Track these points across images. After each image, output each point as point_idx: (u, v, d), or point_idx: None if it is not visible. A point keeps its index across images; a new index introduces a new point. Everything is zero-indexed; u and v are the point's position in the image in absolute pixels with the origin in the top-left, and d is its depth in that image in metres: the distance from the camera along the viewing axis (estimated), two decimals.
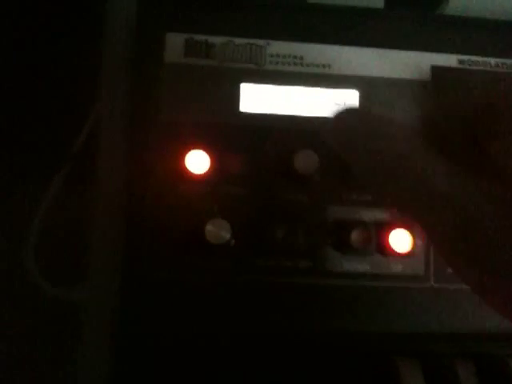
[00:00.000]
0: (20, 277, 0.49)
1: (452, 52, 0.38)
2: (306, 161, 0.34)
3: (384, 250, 0.35)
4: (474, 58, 0.38)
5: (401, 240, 0.35)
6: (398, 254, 0.35)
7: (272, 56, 0.36)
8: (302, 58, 0.36)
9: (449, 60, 0.38)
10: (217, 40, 0.36)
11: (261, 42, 0.36)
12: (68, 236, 0.52)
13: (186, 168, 0.34)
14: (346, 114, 0.26)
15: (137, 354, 0.34)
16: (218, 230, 0.32)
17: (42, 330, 0.53)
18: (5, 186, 0.56)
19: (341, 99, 0.36)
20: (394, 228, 0.35)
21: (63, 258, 0.50)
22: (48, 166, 0.55)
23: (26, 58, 0.59)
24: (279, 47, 0.36)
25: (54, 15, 0.57)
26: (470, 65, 0.38)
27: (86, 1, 0.54)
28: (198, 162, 0.34)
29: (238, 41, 0.36)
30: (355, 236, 0.35)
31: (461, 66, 0.38)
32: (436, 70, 0.37)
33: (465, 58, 0.38)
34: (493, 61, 0.38)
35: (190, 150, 0.34)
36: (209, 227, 0.32)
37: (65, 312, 0.48)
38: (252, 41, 0.36)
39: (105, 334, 0.34)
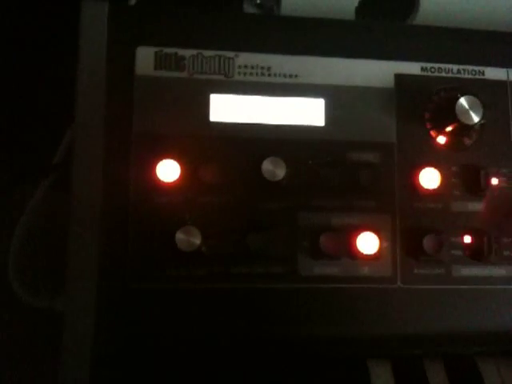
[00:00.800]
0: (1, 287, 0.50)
1: (415, 60, 0.39)
2: (273, 168, 0.35)
3: (352, 253, 0.36)
4: (436, 65, 0.39)
5: (368, 243, 0.36)
6: (366, 256, 0.36)
7: (240, 67, 0.37)
8: (269, 68, 0.38)
9: (412, 68, 0.39)
10: (186, 52, 0.37)
11: (229, 53, 0.37)
12: (50, 245, 0.53)
13: (158, 177, 0.35)
14: None
15: (113, 364, 0.35)
16: (188, 237, 0.33)
17: (21, 340, 0.53)
18: None
19: (307, 107, 0.37)
20: (361, 231, 0.36)
21: (45, 268, 0.51)
22: (31, 174, 0.55)
23: (13, 61, 0.59)
24: (247, 58, 0.37)
25: (48, 17, 0.58)
26: (432, 72, 0.39)
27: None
28: (168, 171, 0.35)
29: (207, 53, 0.37)
30: (325, 241, 0.36)
31: (423, 73, 0.39)
32: (399, 78, 0.39)
33: (427, 65, 0.39)
34: (455, 67, 0.40)
35: (161, 159, 0.35)
36: (179, 235, 0.33)
37: (46, 322, 0.48)
38: (221, 53, 0.37)
39: (83, 343, 0.34)
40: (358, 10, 0.50)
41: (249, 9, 0.53)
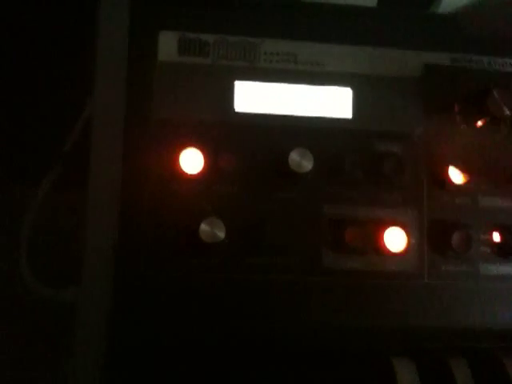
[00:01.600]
0: (12, 278, 0.49)
1: (445, 50, 0.38)
2: (300, 159, 0.34)
3: (379, 248, 0.35)
4: (466, 56, 0.38)
5: (396, 238, 0.35)
6: (393, 252, 0.35)
7: (266, 54, 0.36)
8: (295, 55, 0.36)
9: (442, 58, 0.38)
10: (210, 38, 0.36)
11: (254, 39, 0.36)
12: (61, 237, 0.52)
13: (180, 167, 0.34)
14: None
15: (131, 355, 0.34)
16: (212, 229, 0.32)
17: (34, 331, 0.52)
18: None
19: (334, 97, 0.36)
20: (388, 226, 0.35)
21: (56, 259, 0.50)
22: (40, 165, 0.54)
23: (13, 60, 0.59)
24: (273, 45, 0.36)
25: (45, 15, 0.57)
26: (462, 63, 0.38)
27: (79, 2, 0.54)
28: (192, 161, 0.34)
29: (232, 39, 0.36)
30: (350, 234, 0.35)
31: (453, 64, 0.38)
32: (428, 68, 0.37)
33: (457, 55, 0.38)
34: (485, 59, 0.38)
35: (183, 148, 0.34)
36: (203, 226, 0.32)
37: (58, 313, 0.47)
38: (246, 39, 0.36)
39: (98, 335, 0.33)
40: None
41: None
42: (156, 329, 0.34)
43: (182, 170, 0.34)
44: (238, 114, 0.35)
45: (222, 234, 0.32)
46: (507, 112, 0.36)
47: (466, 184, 0.36)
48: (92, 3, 0.37)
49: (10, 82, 0.58)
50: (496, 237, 0.37)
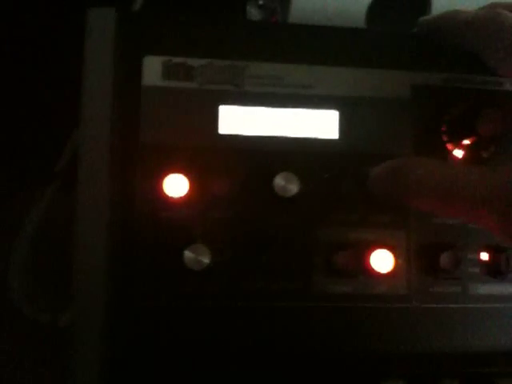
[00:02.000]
0: (3, 301, 0.49)
1: (432, 70, 0.38)
2: (285, 183, 0.34)
3: (367, 270, 0.35)
4: (453, 75, 0.38)
5: (383, 260, 0.35)
6: (381, 274, 0.35)
7: (251, 77, 0.36)
8: (281, 78, 0.36)
9: (429, 78, 0.38)
10: (195, 62, 0.36)
11: (240, 63, 0.36)
12: (53, 259, 0.52)
13: (165, 192, 0.34)
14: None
15: (123, 380, 0.34)
16: (196, 256, 0.32)
17: (26, 354, 0.52)
18: None
19: (320, 119, 0.36)
20: (375, 248, 0.35)
21: (49, 283, 0.50)
22: (33, 183, 0.54)
23: (12, 69, 0.59)
24: (259, 68, 0.36)
25: (34, 35, 0.57)
26: (449, 83, 0.38)
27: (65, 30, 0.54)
28: (176, 185, 0.34)
29: (217, 62, 0.36)
30: (339, 258, 0.35)
31: (441, 84, 0.38)
32: (415, 89, 0.37)
33: (444, 76, 0.38)
34: (474, 78, 0.38)
35: (168, 173, 0.34)
36: (187, 254, 0.32)
37: (50, 337, 0.47)
38: (231, 62, 0.36)
39: (92, 360, 0.33)
40: (368, 16, 0.49)
41: (251, 10, 0.52)
42: (148, 355, 0.34)
43: (166, 195, 0.34)
44: (222, 137, 0.35)
45: (206, 260, 0.32)
46: (495, 132, 0.36)
47: None
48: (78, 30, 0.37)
49: (11, 87, 0.58)
50: (484, 256, 0.37)
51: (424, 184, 0.31)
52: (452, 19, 0.37)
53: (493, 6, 0.36)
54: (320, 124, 0.36)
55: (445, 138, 0.37)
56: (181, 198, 0.34)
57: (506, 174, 0.28)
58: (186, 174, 0.34)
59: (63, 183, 0.52)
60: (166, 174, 0.34)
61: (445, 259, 0.35)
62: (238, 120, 0.35)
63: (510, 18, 0.34)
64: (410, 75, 0.38)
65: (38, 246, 0.50)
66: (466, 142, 0.37)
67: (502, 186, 0.28)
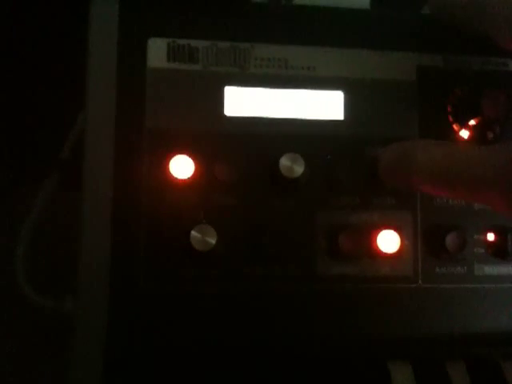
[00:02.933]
0: (8, 287, 0.49)
1: (438, 52, 0.38)
2: (291, 164, 0.34)
3: (373, 252, 0.35)
4: (459, 57, 0.38)
5: (389, 241, 0.35)
6: (387, 255, 0.35)
7: (256, 59, 0.36)
8: (286, 60, 0.36)
9: (435, 60, 0.37)
10: (200, 44, 0.36)
11: (245, 45, 0.36)
12: (59, 244, 0.52)
13: (171, 174, 0.34)
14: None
15: (126, 366, 0.34)
16: (203, 237, 0.32)
17: (28, 341, 0.52)
18: None
19: (325, 101, 0.36)
20: (381, 229, 0.35)
21: (53, 268, 0.50)
22: (37, 172, 0.54)
23: (11, 64, 0.59)
24: (263, 50, 0.36)
25: (37, 22, 0.57)
26: (455, 64, 0.38)
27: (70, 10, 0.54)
28: (182, 167, 0.34)
29: (222, 44, 0.36)
30: (344, 240, 0.35)
31: (446, 65, 0.38)
32: (421, 70, 0.37)
33: (450, 57, 0.38)
34: (479, 59, 0.38)
35: (174, 155, 0.34)
36: (194, 233, 0.32)
37: (54, 323, 0.47)
38: (236, 44, 0.36)
39: (95, 347, 0.33)
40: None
41: None
42: (151, 340, 0.34)
43: (172, 176, 0.34)
44: (227, 119, 0.35)
45: (213, 241, 0.32)
46: (501, 113, 0.36)
47: None
48: (82, 12, 0.37)
49: (9, 86, 0.58)
50: (490, 237, 0.37)
51: (428, 167, 0.30)
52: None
53: None
54: (325, 105, 0.36)
55: (451, 119, 0.37)
56: (187, 179, 0.34)
57: (510, 152, 0.28)
58: (192, 156, 0.34)
59: (68, 169, 0.52)
60: (171, 156, 0.34)
61: (451, 240, 0.35)
62: (243, 101, 0.35)
63: None
64: (416, 56, 0.38)
65: (42, 231, 0.50)
66: (472, 122, 0.37)
67: (506, 164, 0.28)
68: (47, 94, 0.58)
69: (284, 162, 0.33)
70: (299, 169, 0.34)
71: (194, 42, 0.35)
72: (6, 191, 0.56)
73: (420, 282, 0.36)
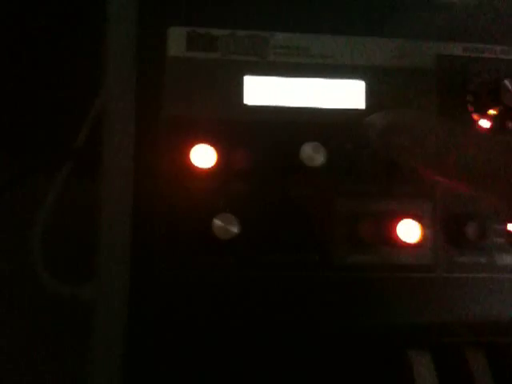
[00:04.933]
0: (25, 275, 0.49)
1: (457, 40, 0.37)
2: (312, 153, 0.33)
3: (393, 240, 0.35)
4: (478, 45, 0.38)
5: (409, 230, 0.35)
6: (407, 244, 0.35)
7: (276, 47, 0.36)
8: (306, 49, 0.36)
9: (453, 48, 0.37)
10: (219, 32, 0.35)
11: (264, 33, 0.36)
12: (76, 232, 0.52)
13: (192, 163, 0.34)
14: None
15: (148, 353, 0.34)
16: (225, 225, 0.32)
17: (46, 328, 0.53)
18: (7, 181, 0.56)
19: (347, 89, 0.36)
20: (402, 218, 0.35)
21: (71, 256, 0.50)
22: (52, 160, 0.55)
23: (26, 54, 0.59)
24: (283, 39, 0.36)
25: (55, 11, 0.57)
26: (474, 52, 0.38)
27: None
28: (203, 156, 0.34)
29: (241, 33, 0.36)
30: (364, 228, 0.35)
31: (465, 54, 0.37)
32: (441, 59, 0.37)
33: (469, 45, 0.37)
34: (498, 48, 0.38)
35: (194, 144, 0.34)
36: (216, 222, 0.32)
37: (71, 310, 0.48)
38: (255, 33, 0.36)
39: (115, 335, 0.33)
40: None
41: None
42: (172, 327, 0.34)
43: (193, 165, 0.34)
44: (248, 108, 0.35)
45: (235, 230, 0.32)
46: None
47: None
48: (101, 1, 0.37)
49: (22, 78, 0.58)
50: (511, 227, 0.37)
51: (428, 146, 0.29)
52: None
53: None
54: (346, 94, 0.36)
55: (470, 109, 0.37)
56: (208, 168, 0.34)
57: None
58: (213, 145, 0.34)
59: (83, 158, 0.52)
60: (192, 145, 0.34)
61: (471, 229, 0.35)
62: (263, 90, 0.35)
63: None
64: (435, 45, 0.37)
65: (58, 218, 0.50)
66: (492, 112, 0.36)
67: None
68: (62, 84, 0.58)
69: (305, 150, 0.33)
70: (320, 157, 0.34)
71: (213, 31, 0.35)
72: (22, 179, 0.56)
73: (440, 271, 0.36)
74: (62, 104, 0.59)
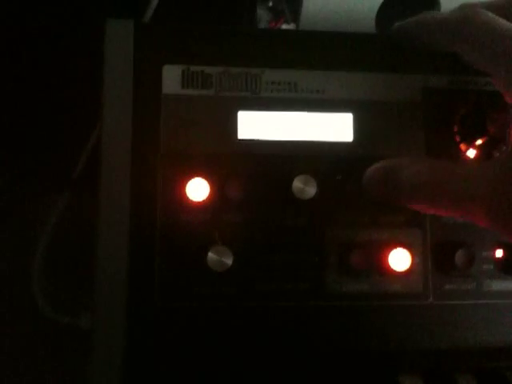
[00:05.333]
0: (24, 302, 0.50)
1: (442, 73, 0.39)
2: (303, 186, 0.35)
3: (383, 269, 0.36)
4: (463, 77, 0.39)
5: (400, 259, 0.36)
6: (398, 272, 0.36)
7: (267, 83, 0.37)
8: (295, 84, 0.37)
9: (439, 81, 0.39)
10: (213, 70, 0.37)
11: (256, 70, 0.37)
12: (74, 260, 0.53)
13: (187, 196, 0.35)
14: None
15: (144, 381, 0.35)
16: (220, 258, 0.33)
17: (44, 354, 0.53)
18: (6, 207, 0.56)
19: (335, 123, 0.37)
20: (392, 247, 0.36)
21: (69, 284, 0.51)
22: (51, 187, 0.55)
23: (27, 77, 0.60)
24: (274, 75, 0.37)
25: (56, 34, 0.58)
26: (459, 85, 0.39)
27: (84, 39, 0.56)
28: (198, 189, 0.35)
29: (234, 70, 0.37)
30: (355, 257, 0.36)
31: (451, 87, 0.39)
32: (426, 92, 0.38)
33: (454, 78, 0.39)
34: (482, 80, 0.39)
35: (190, 178, 0.35)
36: (211, 255, 0.33)
37: (68, 337, 0.48)
38: (247, 69, 0.37)
39: (113, 362, 0.34)
40: (378, 20, 0.50)
41: (260, 11, 0.53)
42: (169, 354, 0.35)
43: (188, 199, 0.35)
44: (241, 142, 0.36)
45: (229, 262, 0.33)
46: (504, 131, 0.37)
47: None
48: (97, 40, 0.38)
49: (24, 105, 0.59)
50: (499, 253, 0.38)
51: (414, 181, 0.32)
52: (426, 23, 0.36)
53: (462, 7, 0.35)
54: (335, 127, 0.37)
55: (457, 139, 0.38)
56: (202, 201, 0.35)
57: (491, 168, 0.29)
58: (207, 178, 0.35)
59: (81, 186, 0.53)
60: (187, 179, 0.35)
61: (460, 257, 0.36)
62: (256, 125, 0.36)
63: (482, 14, 0.33)
64: (421, 78, 0.39)
65: (58, 245, 0.51)
66: (479, 142, 0.38)
67: (488, 179, 0.29)
68: (61, 113, 0.59)
69: (297, 184, 0.34)
70: (311, 190, 0.35)
71: (207, 69, 0.37)
72: (21, 206, 0.57)
73: (430, 298, 0.37)
74: (62, 134, 0.60)
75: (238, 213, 0.35)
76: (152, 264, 0.35)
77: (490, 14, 0.33)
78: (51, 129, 0.60)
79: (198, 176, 0.35)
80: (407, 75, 0.38)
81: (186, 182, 0.35)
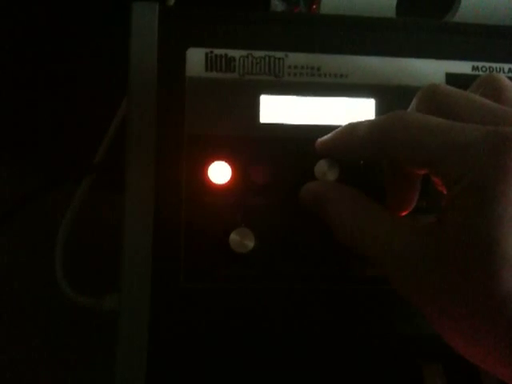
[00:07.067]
0: (48, 287, 0.51)
1: (466, 59, 0.38)
2: (327, 169, 0.35)
3: None
4: (487, 64, 0.39)
5: None
6: None
7: (290, 67, 0.37)
8: (319, 68, 0.37)
9: (463, 67, 0.38)
10: (236, 53, 0.37)
11: (279, 54, 0.37)
12: (98, 245, 0.54)
13: (209, 179, 0.35)
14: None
15: (169, 363, 0.35)
16: (241, 239, 0.34)
17: (69, 338, 0.54)
18: (30, 193, 0.57)
19: (357, 108, 0.37)
20: None
21: (93, 268, 0.51)
22: (73, 173, 0.56)
23: (49, 70, 0.60)
24: (297, 59, 0.37)
25: (76, 32, 0.59)
26: (483, 71, 0.39)
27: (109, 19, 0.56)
28: (220, 172, 0.35)
29: (257, 53, 0.37)
30: None
31: (474, 73, 0.38)
32: (450, 77, 0.38)
33: (478, 64, 0.39)
34: (506, 66, 0.39)
35: (212, 161, 0.35)
36: (233, 236, 0.33)
37: (92, 321, 0.49)
38: (271, 53, 0.37)
39: (138, 342, 0.35)
40: (398, 6, 0.50)
41: (275, 2, 0.53)
42: (193, 340, 0.35)
43: (210, 181, 0.35)
44: (263, 126, 0.36)
45: (251, 244, 0.34)
46: None
47: None
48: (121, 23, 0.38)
49: (35, 95, 0.60)
50: None
51: (335, 220, 0.32)
52: (349, 136, 0.33)
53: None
54: (357, 112, 0.37)
55: None
56: (224, 184, 0.35)
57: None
58: (229, 161, 0.35)
59: (103, 172, 0.54)
60: (210, 162, 0.35)
61: None
62: (278, 109, 0.37)
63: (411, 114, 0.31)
64: (444, 64, 0.38)
65: (80, 231, 0.51)
66: None
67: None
68: (83, 99, 0.60)
69: (319, 167, 0.35)
70: (334, 174, 0.35)
71: (230, 52, 0.37)
72: (44, 192, 0.57)
73: None
74: (84, 120, 0.60)
75: (260, 196, 0.36)
76: (176, 245, 0.35)
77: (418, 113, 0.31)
78: (76, 115, 0.61)
79: (220, 159, 0.35)
80: (430, 60, 0.38)
81: (209, 165, 0.35)
